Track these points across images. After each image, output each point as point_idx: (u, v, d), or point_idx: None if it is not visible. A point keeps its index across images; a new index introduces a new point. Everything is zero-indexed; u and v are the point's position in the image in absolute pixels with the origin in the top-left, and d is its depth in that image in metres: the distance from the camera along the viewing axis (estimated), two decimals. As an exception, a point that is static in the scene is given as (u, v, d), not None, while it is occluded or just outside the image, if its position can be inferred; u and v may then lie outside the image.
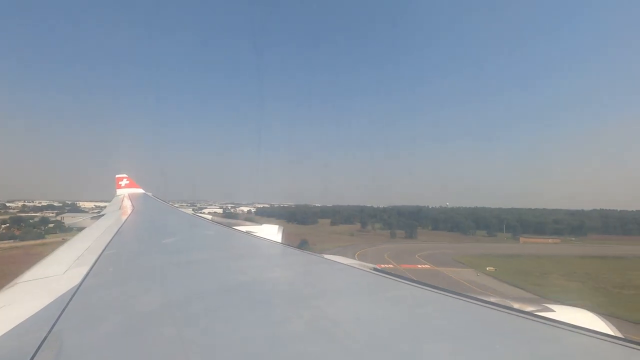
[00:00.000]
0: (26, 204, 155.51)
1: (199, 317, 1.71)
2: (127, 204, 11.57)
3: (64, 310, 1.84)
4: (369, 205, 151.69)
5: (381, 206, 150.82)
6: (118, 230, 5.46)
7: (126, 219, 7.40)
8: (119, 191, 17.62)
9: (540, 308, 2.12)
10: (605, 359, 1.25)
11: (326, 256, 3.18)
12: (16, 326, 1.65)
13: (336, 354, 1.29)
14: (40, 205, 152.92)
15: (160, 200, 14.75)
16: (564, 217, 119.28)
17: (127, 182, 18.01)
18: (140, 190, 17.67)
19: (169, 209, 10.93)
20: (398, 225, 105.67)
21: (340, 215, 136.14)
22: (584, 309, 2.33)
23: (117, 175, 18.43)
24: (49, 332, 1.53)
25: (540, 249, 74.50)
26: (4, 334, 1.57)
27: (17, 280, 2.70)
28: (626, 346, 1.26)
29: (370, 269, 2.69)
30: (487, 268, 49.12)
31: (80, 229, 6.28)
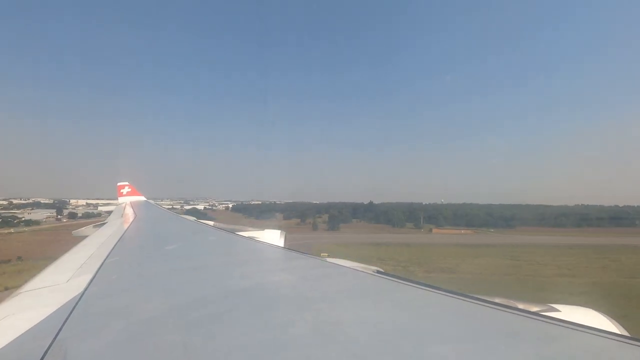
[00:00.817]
0: (17, 201, 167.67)
1: (204, 323, 1.68)
2: (129, 211, 11.68)
3: (67, 318, 1.85)
4: (359, 202, 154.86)
5: (377, 202, 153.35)
6: (120, 237, 5.53)
7: (128, 227, 7.47)
8: (120, 199, 17.53)
9: (546, 308, 2.10)
10: (612, 358, 1.22)
11: (329, 259, 3.18)
12: (20, 335, 1.66)
13: (343, 357, 1.27)
14: (27, 202, 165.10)
15: (163, 208, 14.98)
16: (507, 211, 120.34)
17: (129, 189, 18.15)
18: (142, 198, 17.68)
19: (171, 217, 11.02)
20: (342, 219, 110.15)
21: (297, 211, 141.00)
22: (590, 308, 2.32)
23: (118, 184, 18.33)
24: (54, 340, 1.54)
25: (436, 239, 78.37)
26: (9, 343, 1.57)
27: (21, 289, 2.70)
28: (633, 345, 1.25)
29: (374, 271, 2.72)
30: (322, 254, 52.71)
31: (83, 238, 6.35)
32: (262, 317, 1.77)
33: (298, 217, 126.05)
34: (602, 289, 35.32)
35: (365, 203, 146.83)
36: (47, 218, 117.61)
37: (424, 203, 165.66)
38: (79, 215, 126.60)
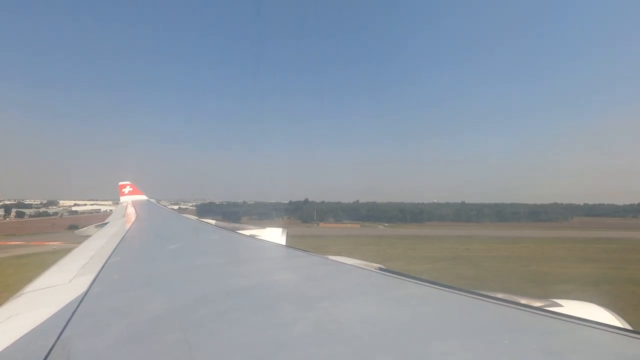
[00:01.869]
0: (6, 202, 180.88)
1: (207, 322, 1.68)
2: (131, 211, 11.84)
3: (70, 318, 1.85)
4: (345, 202, 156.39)
5: (353, 201, 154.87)
6: (122, 237, 5.50)
7: (130, 227, 7.54)
8: (122, 198, 17.70)
9: (548, 303, 2.12)
10: (615, 352, 1.22)
11: (330, 257, 3.19)
12: (23, 336, 1.65)
13: (347, 354, 1.27)
14: (11, 203, 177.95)
15: (165, 207, 15.30)
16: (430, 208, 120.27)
17: (131, 189, 18.25)
18: (144, 197, 17.85)
19: (173, 216, 11.08)
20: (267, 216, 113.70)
21: (242, 209, 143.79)
22: (593, 303, 2.30)
23: (120, 183, 18.46)
24: (57, 340, 1.54)
25: (313, 232, 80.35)
26: (12, 343, 1.56)
27: (24, 290, 2.71)
28: (636, 339, 1.25)
29: (376, 268, 2.74)
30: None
31: (86, 238, 6.35)
32: (265, 315, 1.78)
33: (261, 216, 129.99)
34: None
35: (301, 201, 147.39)
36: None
37: (417, 202, 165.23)
38: (29, 214, 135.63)
